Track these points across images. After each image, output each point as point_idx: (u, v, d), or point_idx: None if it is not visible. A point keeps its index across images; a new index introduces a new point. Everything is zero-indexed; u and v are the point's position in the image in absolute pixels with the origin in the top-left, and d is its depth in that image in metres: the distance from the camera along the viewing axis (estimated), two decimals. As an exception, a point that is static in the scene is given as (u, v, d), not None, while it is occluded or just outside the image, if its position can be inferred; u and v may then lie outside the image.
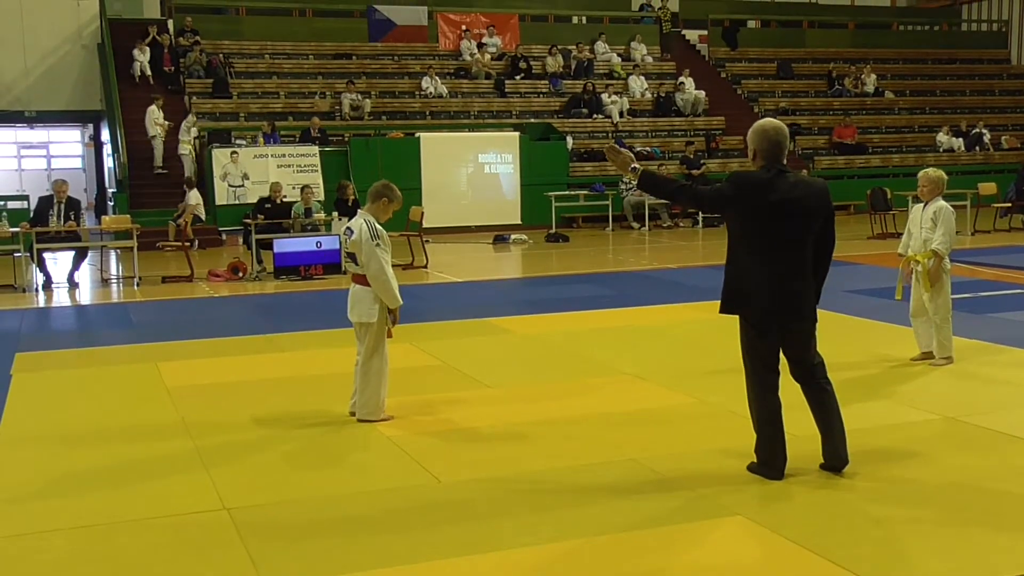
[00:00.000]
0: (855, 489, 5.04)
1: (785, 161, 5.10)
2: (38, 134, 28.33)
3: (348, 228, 6.46)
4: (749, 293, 5.10)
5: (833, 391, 5.23)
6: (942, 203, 7.64)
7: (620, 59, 25.64)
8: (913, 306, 7.85)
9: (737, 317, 5.21)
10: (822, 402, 5.22)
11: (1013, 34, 30.39)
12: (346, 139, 20.52)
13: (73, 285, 13.74)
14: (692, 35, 27.96)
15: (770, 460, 5.18)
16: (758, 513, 4.73)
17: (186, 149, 19.71)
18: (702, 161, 22.25)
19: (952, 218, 7.61)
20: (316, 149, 19.52)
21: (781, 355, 5.19)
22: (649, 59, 26.05)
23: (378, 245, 6.27)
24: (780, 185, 4.99)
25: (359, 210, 6.57)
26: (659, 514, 4.77)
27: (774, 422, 5.17)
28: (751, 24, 29.19)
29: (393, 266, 6.55)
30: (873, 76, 26.90)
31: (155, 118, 19.74)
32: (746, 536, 4.50)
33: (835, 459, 5.19)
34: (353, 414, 6.57)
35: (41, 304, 12.61)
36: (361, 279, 6.42)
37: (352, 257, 6.44)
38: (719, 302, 5.27)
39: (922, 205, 7.76)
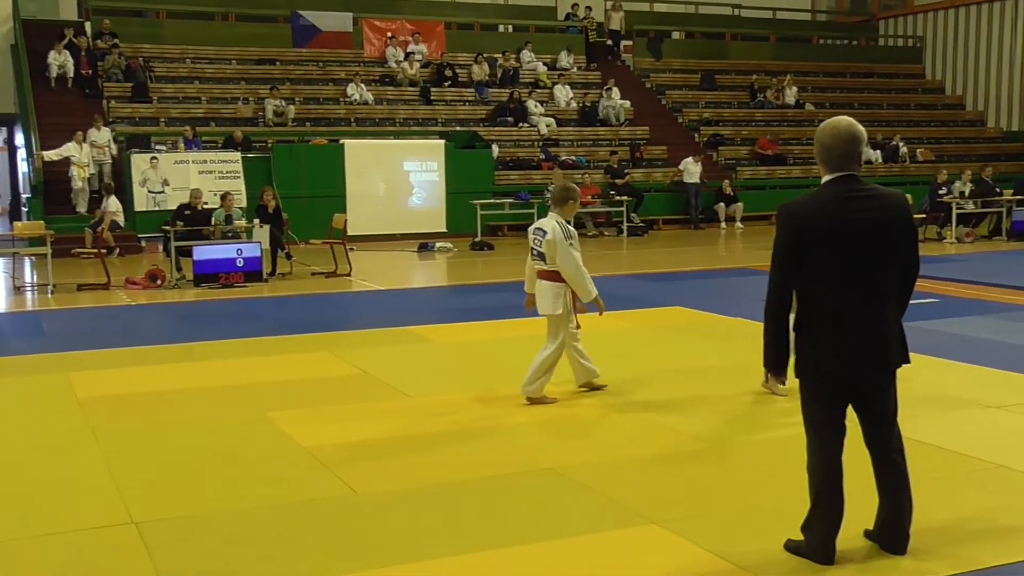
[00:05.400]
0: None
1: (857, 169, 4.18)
2: (-52, 137, 27.51)
3: (540, 229, 6.95)
4: (816, 341, 4.12)
5: (906, 467, 4.28)
6: None
7: (546, 68, 25.75)
8: None
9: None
10: (893, 479, 4.25)
11: (927, 50, 31.21)
12: (269, 145, 20.28)
13: (-17, 293, 13.36)
14: (610, 38, 28.13)
15: (820, 541, 4.21)
16: (673, 522, 4.75)
17: (79, 182, 18.80)
18: (626, 171, 22.45)
19: None
20: (238, 155, 19.23)
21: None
22: (575, 69, 26.22)
23: (571, 244, 6.83)
24: (841, 204, 4.07)
25: (549, 212, 7.02)
26: (575, 523, 4.77)
27: (832, 493, 4.20)
28: (675, 35, 29.54)
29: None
30: (794, 88, 27.40)
31: (75, 159, 18.84)
32: (661, 544, 4.53)
33: (893, 546, 4.29)
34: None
35: (-51, 313, 12.24)
36: (546, 275, 6.93)
37: (542, 256, 6.92)
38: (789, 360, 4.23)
39: None
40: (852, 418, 4.24)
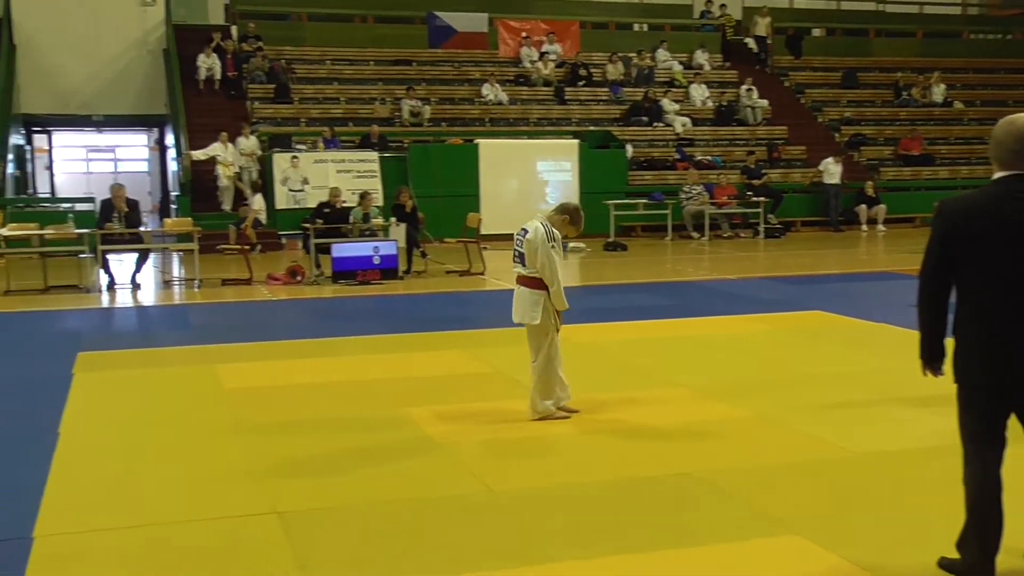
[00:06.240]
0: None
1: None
2: (105, 138, 28.85)
3: (523, 228, 6.57)
4: (969, 345, 3.92)
5: None
6: None
7: (681, 67, 25.45)
8: None
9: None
10: None
11: (1089, 43, 29.63)
12: (405, 145, 20.61)
13: (135, 286, 13.93)
14: (750, 37, 27.65)
15: (977, 559, 3.98)
16: (818, 532, 4.59)
17: (225, 180, 19.51)
18: (763, 172, 21.99)
19: None
20: (375, 155, 19.62)
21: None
22: (710, 67, 25.82)
23: (553, 247, 6.42)
24: (1003, 203, 3.83)
25: (538, 215, 6.72)
26: (714, 530, 4.65)
27: (989, 508, 3.95)
28: (816, 32, 28.83)
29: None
30: (942, 86, 26.39)
31: (222, 158, 19.59)
32: (805, 556, 4.37)
33: None
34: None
35: (105, 304, 12.80)
36: (526, 281, 6.54)
37: (521, 259, 6.55)
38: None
39: None
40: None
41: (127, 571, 4.33)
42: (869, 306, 11.12)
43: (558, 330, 6.67)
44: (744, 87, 24.48)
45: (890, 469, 5.58)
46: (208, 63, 22.01)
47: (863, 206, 21.78)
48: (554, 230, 6.50)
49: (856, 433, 6.26)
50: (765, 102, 24.48)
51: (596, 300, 12.67)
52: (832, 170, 21.65)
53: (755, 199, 20.67)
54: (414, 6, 24.53)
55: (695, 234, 20.31)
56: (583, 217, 6.75)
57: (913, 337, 4.20)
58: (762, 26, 26.59)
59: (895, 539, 4.52)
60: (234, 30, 23.47)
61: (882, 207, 21.84)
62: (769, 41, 26.80)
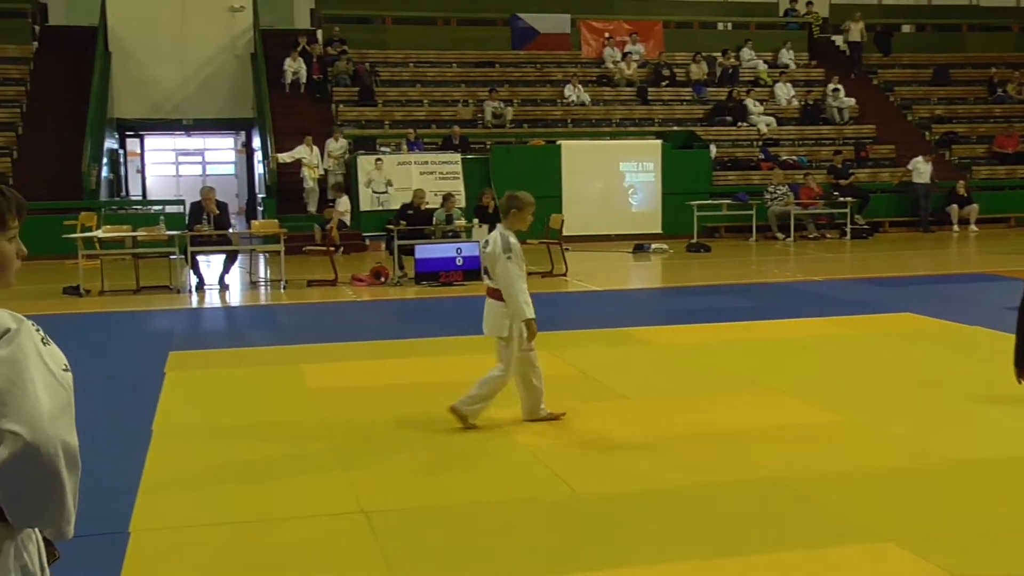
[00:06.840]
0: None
1: None
2: (194, 141, 29.52)
3: (485, 241, 6.54)
4: None
5: None
6: None
7: (766, 66, 25.10)
8: None
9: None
10: None
11: None
12: (488, 147, 20.68)
13: (224, 287, 14.21)
14: (842, 41, 27.17)
15: None
16: (908, 540, 4.48)
17: (311, 182, 19.80)
18: (850, 171, 21.56)
19: None
20: (458, 157, 19.72)
21: None
22: (794, 66, 25.41)
23: (509, 258, 6.29)
24: None
25: (497, 224, 6.65)
26: (803, 536, 4.57)
27: None
28: (906, 28, 28.18)
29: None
30: (1039, 81, 25.61)
31: (307, 161, 19.88)
32: (897, 563, 4.27)
33: None
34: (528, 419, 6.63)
35: (194, 305, 13.09)
36: (494, 293, 6.47)
37: (487, 271, 6.52)
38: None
39: None
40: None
41: (219, 567, 4.41)
42: (962, 308, 10.83)
43: (531, 342, 6.46)
44: (831, 87, 24.04)
45: (988, 476, 5.42)
46: (294, 67, 22.38)
47: (954, 206, 21.23)
48: (511, 239, 6.37)
49: (951, 439, 6.10)
50: (852, 101, 24.02)
51: (680, 302, 12.57)
52: (922, 169, 21.14)
53: (842, 199, 20.28)
54: (497, 8, 24.61)
55: (780, 235, 20.00)
56: (524, 198, 6.45)
57: (1010, 341, 4.08)
58: (856, 31, 25.95)
59: (993, 548, 4.39)
60: (319, 34, 23.84)
61: (974, 207, 21.26)
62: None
